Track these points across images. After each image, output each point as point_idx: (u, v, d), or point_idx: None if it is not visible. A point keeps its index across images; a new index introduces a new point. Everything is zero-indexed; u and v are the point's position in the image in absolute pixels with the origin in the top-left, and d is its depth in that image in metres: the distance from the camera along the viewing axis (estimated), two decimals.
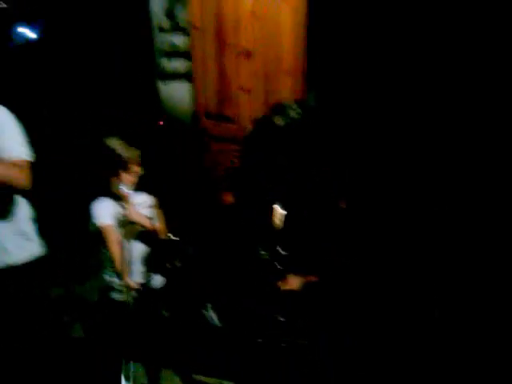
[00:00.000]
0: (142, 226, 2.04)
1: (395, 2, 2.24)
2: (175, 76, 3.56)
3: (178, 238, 1.94)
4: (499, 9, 2.07)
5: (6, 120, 1.89)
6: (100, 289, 2.23)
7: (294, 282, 1.62)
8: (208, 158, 3.23)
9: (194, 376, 1.67)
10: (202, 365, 1.67)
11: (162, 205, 2.21)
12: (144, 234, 2.06)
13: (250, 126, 2.20)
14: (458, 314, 1.92)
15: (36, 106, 3.40)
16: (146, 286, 2.02)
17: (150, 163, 2.14)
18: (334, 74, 2.54)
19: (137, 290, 1.97)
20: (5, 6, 2.99)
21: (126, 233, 1.93)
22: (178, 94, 3.58)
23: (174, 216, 2.25)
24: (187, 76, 3.47)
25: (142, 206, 2.10)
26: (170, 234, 1.99)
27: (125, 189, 1.97)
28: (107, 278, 2.11)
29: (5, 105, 1.92)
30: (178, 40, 3.49)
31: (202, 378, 1.66)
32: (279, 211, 1.54)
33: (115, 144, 1.99)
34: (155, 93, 3.57)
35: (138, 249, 2.04)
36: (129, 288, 1.94)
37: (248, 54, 2.80)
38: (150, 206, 2.13)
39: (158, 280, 2.10)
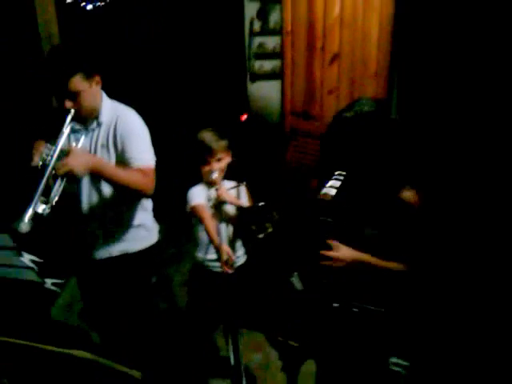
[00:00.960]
0: (233, 205, 2.18)
1: (478, 9, 2.32)
2: (263, 76, 3.87)
3: (264, 203, 2.04)
4: None
5: (130, 125, 1.93)
6: (193, 267, 2.42)
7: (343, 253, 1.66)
8: (291, 150, 3.51)
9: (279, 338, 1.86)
10: (285, 328, 1.80)
11: (250, 189, 2.36)
12: (234, 216, 2.21)
13: None
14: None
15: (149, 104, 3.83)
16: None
17: (238, 153, 2.30)
18: (417, 76, 2.68)
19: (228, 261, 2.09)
20: None
21: (217, 214, 2.14)
22: (265, 92, 3.87)
23: (260, 199, 2.46)
24: (274, 76, 3.78)
25: (231, 190, 2.26)
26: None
27: (215, 175, 2.14)
28: (200, 255, 2.30)
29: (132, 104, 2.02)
30: (268, 42, 3.80)
31: (288, 341, 1.86)
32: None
33: (206, 136, 2.17)
34: (244, 91, 3.90)
35: (227, 230, 2.21)
36: (224, 257, 2.05)
37: (335, 58, 3.02)
38: (239, 190, 2.27)
39: (242, 257, 2.31)
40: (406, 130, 1.79)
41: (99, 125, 1.92)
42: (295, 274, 1.86)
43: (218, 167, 2.16)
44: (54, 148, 1.73)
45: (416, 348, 1.83)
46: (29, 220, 1.61)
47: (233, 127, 3.13)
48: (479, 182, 2.38)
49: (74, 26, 3.64)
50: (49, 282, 1.83)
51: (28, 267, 1.65)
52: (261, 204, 2.05)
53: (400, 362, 1.78)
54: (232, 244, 2.24)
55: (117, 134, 1.89)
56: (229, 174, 2.27)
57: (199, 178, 2.26)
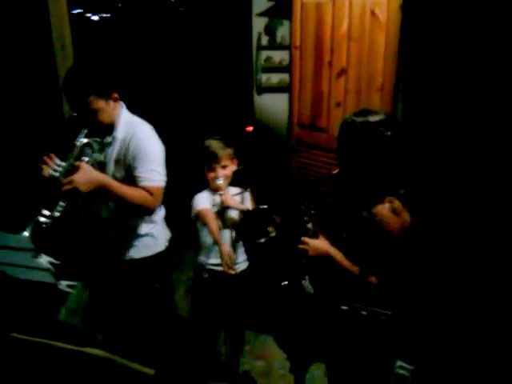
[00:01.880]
0: (237, 210, 2.22)
1: (484, 29, 2.41)
2: (270, 89, 3.96)
3: (267, 206, 2.05)
4: None
5: (141, 142, 1.93)
6: (195, 272, 2.44)
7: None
8: (296, 161, 3.57)
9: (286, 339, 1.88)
10: (293, 329, 1.87)
11: (255, 197, 2.39)
12: (238, 221, 2.23)
13: None
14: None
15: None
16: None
17: (244, 163, 2.33)
18: (422, 91, 2.76)
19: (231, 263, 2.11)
20: None
21: (221, 220, 2.17)
22: (271, 104, 3.97)
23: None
24: (281, 89, 3.87)
25: (236, 196, 2.27)
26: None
27: (220, 181, 2.19)
28: (202, 259, 2.32)
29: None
30: (275, 56, 3.91)
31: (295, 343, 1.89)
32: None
33: (212, 143, 2.23)
34: (251, 103, 3.98)
35: (231, 236, 2.25)
36: (226, 257, 2.08)
37: (342, 72, 3.10)
38: (243, 197, 2.32)
39: (244, 263, 2.34)
40: (406, 144, 1.83)
41: (114, 139, 1.96)
42: (306, 277, 1.91)
43: (223, 174, 2.21)
44: (62, 164, 1.79)
45: (421, 352, 1.86)
46: (29, 232, 1.65)
47: (239, 138, 3.18)
48: (481, 196, 2.41)
49: (82, 36, 3.72)
50: (64, 283, 1.87)
51: (45, 269, 1.69)
52: (263, 207, 2.08)
53: (406, 365, 1.81)
54: (234, 248, 2.26)
55: (129, 150, 1.93)
56: (234, 183, 2.29)
57: (205, 185, 2.30)
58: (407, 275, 1.70)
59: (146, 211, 1.98)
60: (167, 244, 2.22)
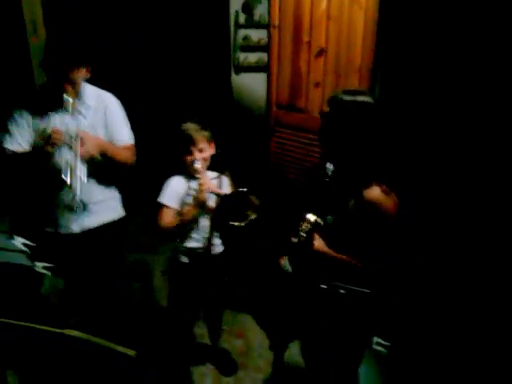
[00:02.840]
0: (214, 194, 2.19)
1: (463, 7, 2.40)
2: (248, 68, 3.91)
3: (246, 189, 2.05)
4: None
5: (117, 110, 2.27)
6: (172, 253, 2.42)
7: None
8: (275, 142, 3.56)
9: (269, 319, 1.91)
10: (273, 308, 1.90)
11: (233, 180, 2.37)
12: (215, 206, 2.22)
13: (317, 116, 2.41)
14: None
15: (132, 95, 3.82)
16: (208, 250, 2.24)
17: (222, 145, 2.32)
18: (400, 71, 2.77)
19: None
20: None
21: (197, 204, 2.16)
22: (249, 84, 3.91)
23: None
24: (259, 68, 3.82)
25: (214, 180, 2.28)
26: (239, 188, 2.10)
27: (198, 164, 2.17)
28: (180, 243, 2.31)
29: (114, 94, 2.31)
30: (253, 35, 3.84)
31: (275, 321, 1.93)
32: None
33: (189, 126, 2.21)
34: (229, 83, 3.92)
35: (206, 220, 2.26)
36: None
37: (321, 52, 3.09)
38: (221, 181, 2.31)
39: (219, 246, 2.34)
40: (389, 125, 1.84)
41: (87, 108, 2.19)
42: (286, 257, 1.93)
43: (200, 157, 2.19)
44: (73, 136, 2.02)
45: (397, 329, 1.91)
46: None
47: (217, 118, 3.14)
48: (463, 179, 2.44)
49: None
50: (39, 265, 1.85)
51: (20, 251, 1.66)
52: (242, 190, 2.07)
53: (382, 341, 1.86)
54: (210, 232, 2.27)
55: (107, 118, 2.22)
56: (212, 166, 2.29)
57: (181, 170, 2.27)
58: (416, 265, 1.73)
59: (128, 166, 2.27)
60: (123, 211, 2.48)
